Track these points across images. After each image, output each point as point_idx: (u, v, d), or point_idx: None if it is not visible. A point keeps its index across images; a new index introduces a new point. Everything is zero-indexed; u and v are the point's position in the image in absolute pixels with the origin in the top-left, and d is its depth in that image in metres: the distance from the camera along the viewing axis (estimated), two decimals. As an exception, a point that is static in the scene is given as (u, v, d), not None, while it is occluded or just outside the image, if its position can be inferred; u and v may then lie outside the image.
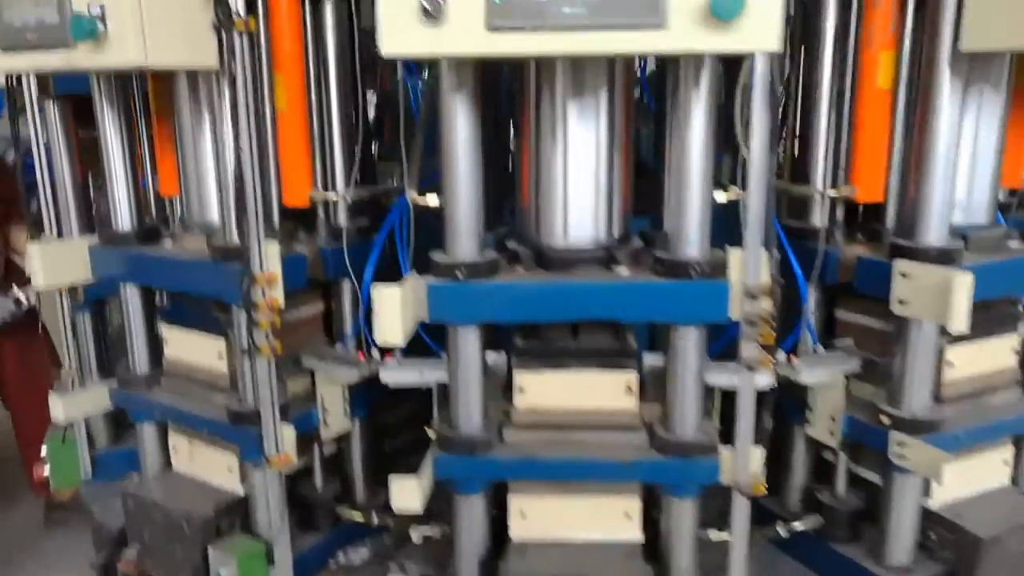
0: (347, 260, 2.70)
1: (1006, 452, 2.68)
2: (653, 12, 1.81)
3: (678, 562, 2.43)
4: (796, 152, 2.74)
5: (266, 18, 2.49)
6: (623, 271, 2.33)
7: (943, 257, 2.30)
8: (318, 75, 2.69)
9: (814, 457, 2.82)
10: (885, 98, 2.46)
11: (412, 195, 2.42)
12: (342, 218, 2.78)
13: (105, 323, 3.41)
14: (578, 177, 2.34)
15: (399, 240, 2.56)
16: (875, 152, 2.50)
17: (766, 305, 2.14)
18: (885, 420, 2.47)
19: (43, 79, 3.03)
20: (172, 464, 2.95)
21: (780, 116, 2.73)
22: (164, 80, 2.72)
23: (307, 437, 2.74)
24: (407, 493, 2.38)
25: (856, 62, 2.48)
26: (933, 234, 2.33)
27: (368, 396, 2.90)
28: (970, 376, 2.57)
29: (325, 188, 2.77)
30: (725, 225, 2.32)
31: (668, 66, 2.33)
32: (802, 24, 2.63)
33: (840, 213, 2.64)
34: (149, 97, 2.86)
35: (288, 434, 2.54)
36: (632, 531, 2.47)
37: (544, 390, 2.43)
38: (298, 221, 2.80)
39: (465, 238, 2.24)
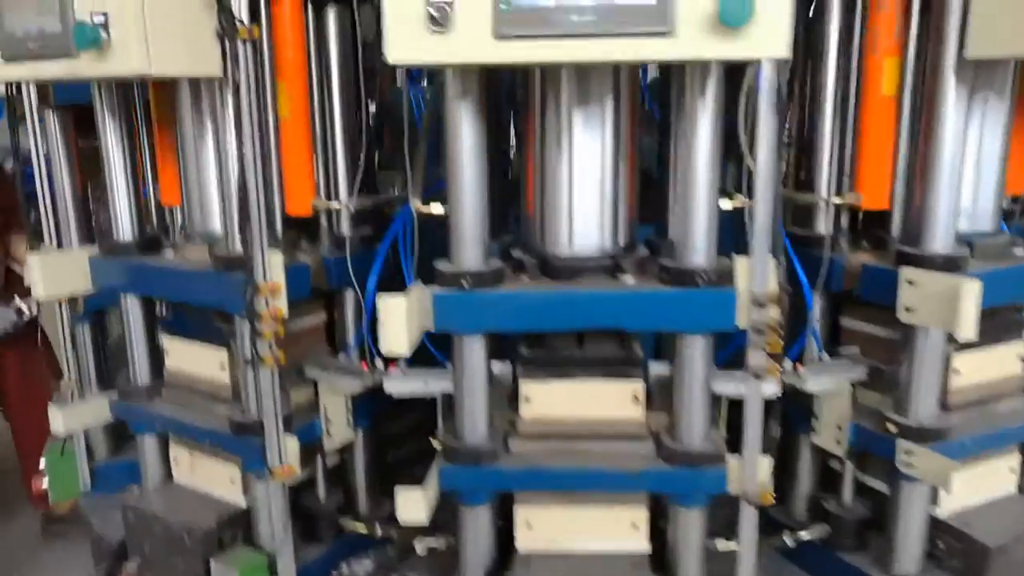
0: (350, 269, 2.68)
1: (1012, 460, 2.67)
2: (661, 20, 1.81)
3: (685, 572, 2.41)
4: (800, 159, 2.73)
5: (269, 26, 2.48)
6: (629, 280, 2.32)
7: (950, 265, 2.29)
8: (321, 83, 2.69)
9: (820, 466, 2.80)
10: (890, 105, 2.45)
11: (416, 204, 2.41)
12: (345, 227, 2.77)
13: (105, 334, 3.39)
14: (583, 185, 2.33)
15: (402, 249, 2.55)
16: (880, 159, 2.50)
17: (774, 313, 2.13)
18: (892, 428, 2.45)
19: (43, 88, 3.01)
20: (173, 476, 2.93)
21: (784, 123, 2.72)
22: (165, 88, 2.71)
23: (310, 448, 2.72)
24: (413, 505, 2.36)
25: (860, 68, 2.48)
26: (939, 241, 2.32)
27: (371, 406, 2.88)
28: (976, 384, 2.56)
29: (328, 197, 2.76)
30: (729, 233, 2.32)
31: (673, 74, 2.33)
32: (805, 30, 2.63)
33: (845, 220, 2.63)
34: (150, 106, 2.84)
35: (291, 445, 2.52)
36: (639, 541, 2.45)
37: (550, 400, 2.41)
38: (300, 230, 2.78)
39: (470, 247, 2.23)
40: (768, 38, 1.82)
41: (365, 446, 2.96)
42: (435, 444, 2.44)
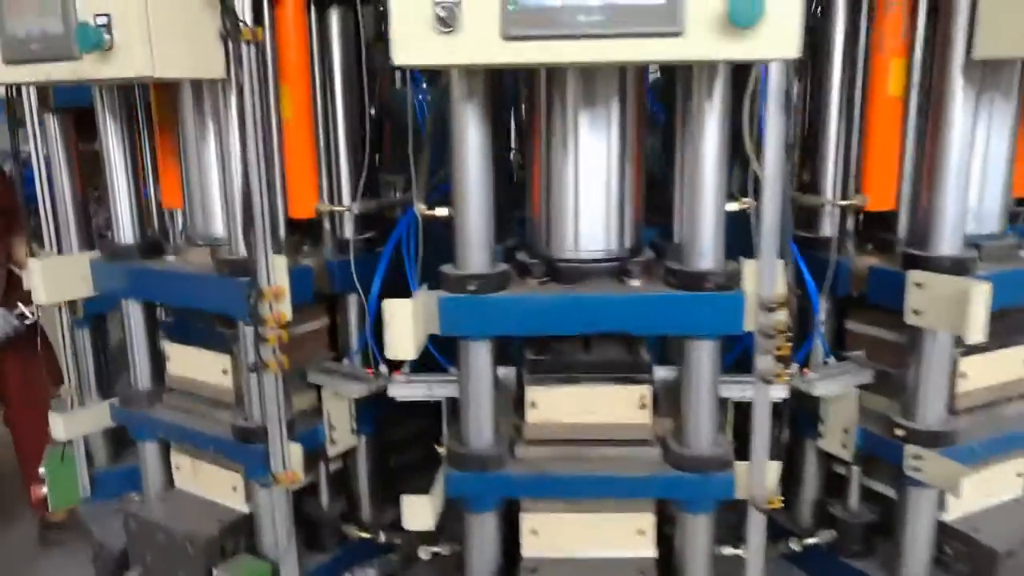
0: (354, 273, 2.66)
1: (1020, 464, 2.66)
2: (670, 20, 1.79)
3: (693, 578, 2.39)
4: (804, 161, 2.72)
5: (272, 28, 2.46)
6: (636, 283, 2.30)
7: (958, 267, 2.28)
8: (324, 85, 2.67)
9: (826, 470, 2.78)
10: (896, 106, 2.43)
11: (420, 207, 2.39)
12: (348, 230, 2.75)
13: (105, 339, 3.36)
14: (589, 188, 2.31)
15: (406, 253, 2.53)
16: (886, 160, 2.48)
17: (782, 316, 2.12)
18: (899, 432, 2.44)
19: (43, 91, 2.98)
20: (175, 483, 2.90)
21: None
22: (167, 91, 2.69)
23: (313, 454, 2.70)
24: (420, 512, 2.34)
25: (867, 69, 2.46)
26: (947, 244, 2.31)
27: (374, 412, 2.86)
28: (984, 387, 2.55)
29: (331, 200, 2.74)
30: (735, 235, 2.30)
31: (678, 75, 2.32)
32: (811, 30, 2.61)
33: (851, 223, 2.62)
34: (152, 108, 2.82)
35: (295, 451, 2.50)
36: (646, 547, 2.42)
37: (556, 405, 2.39)
38: (303, 233, 2.76)
39: (476, 250, 2.21)
40: (778, 38, 1.80)
41: (368, 452, 2.94)
42: (439, 450, 2.42)
